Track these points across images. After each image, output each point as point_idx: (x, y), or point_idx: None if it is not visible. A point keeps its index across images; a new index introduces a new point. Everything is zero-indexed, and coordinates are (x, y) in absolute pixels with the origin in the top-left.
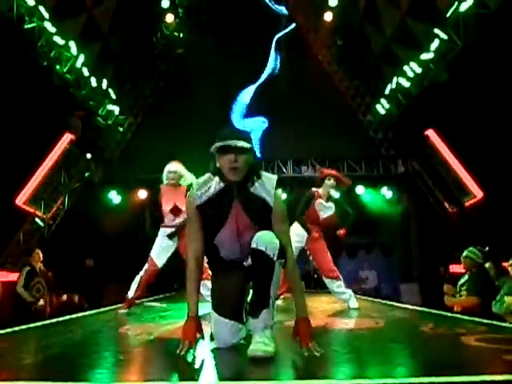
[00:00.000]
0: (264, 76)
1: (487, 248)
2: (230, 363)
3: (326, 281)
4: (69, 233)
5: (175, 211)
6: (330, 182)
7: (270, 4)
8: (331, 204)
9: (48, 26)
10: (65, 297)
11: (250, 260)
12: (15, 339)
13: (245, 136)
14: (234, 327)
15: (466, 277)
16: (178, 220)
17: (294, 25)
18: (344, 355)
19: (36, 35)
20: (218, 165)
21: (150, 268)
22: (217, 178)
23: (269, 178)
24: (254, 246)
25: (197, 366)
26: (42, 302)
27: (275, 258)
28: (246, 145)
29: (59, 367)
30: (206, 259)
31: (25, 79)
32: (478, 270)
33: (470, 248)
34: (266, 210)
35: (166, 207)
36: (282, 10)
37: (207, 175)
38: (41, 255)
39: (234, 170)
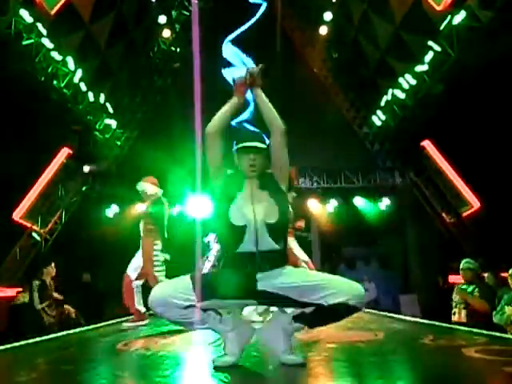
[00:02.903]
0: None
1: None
2: (225, 381)
3: None
4: (66, 247)
5: None
6: None
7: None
8: None
9: (46, 42)
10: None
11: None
12: (11, 355)
13: (260, 137)
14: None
15: (472, 287)
16: None
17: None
18: (343, 368)
19: (34, 51)
20: (237, 165)
21: None
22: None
23: None
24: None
25: (193, 382)
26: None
27: None
28: (262, 146)
29: None
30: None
31: (23, 94)
32: (481, 279)
33: (467, 259)
34: (273, 180)
35: None
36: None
37: None
38: (54, 269)
39: (253, 167)
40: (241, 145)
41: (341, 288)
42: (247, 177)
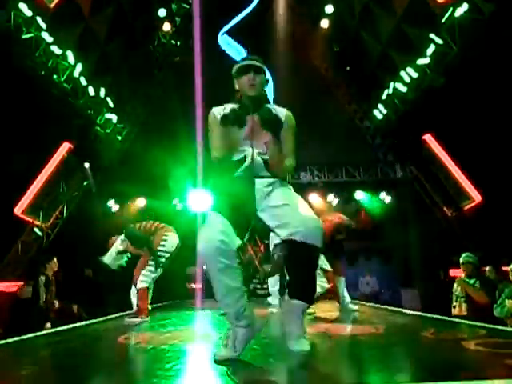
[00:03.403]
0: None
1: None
2: (226, 374)
3: None
4: (67, 242)
5: None
6: None
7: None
8: None
9: (45, 36)
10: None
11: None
12: (14, 349)
13: (260, 59)
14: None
15: (473, 280)
16: None
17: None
18: (344, 362)
19: (33, 45)
20: (236, 87)
21: None
22: (232, 104)
23: (280, 108)
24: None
25: (194, 376)
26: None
27: None
28: (262, 65)
29: (57, 378)
30: None
31: (23, 88)
32: (481, 273)
33: (467, 253)
34: (278, 122)
35: None
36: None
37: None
38: (56, 264)
39: (253, 86)
40: (240, 63)
41: (296, 221)
42: (247, 102)
